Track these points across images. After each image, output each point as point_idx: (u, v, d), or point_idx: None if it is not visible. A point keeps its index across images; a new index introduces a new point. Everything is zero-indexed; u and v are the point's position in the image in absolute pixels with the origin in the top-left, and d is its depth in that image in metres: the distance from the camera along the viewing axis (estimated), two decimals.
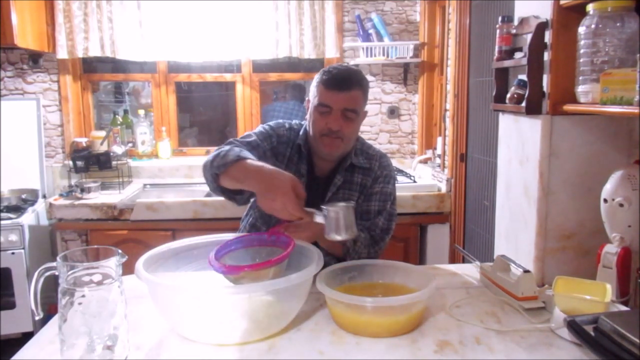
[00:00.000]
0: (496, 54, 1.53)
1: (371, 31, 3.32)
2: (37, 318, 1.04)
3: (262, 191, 1.26)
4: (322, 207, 1.27)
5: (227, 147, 1.41)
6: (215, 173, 1.36)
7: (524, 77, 1.39)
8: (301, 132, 1.61)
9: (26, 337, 1.29)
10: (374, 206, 1.59)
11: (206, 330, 1.13)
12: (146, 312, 1.26)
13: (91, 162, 3.11)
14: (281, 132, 1.60)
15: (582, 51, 1.22)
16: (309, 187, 1.51)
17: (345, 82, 1.46)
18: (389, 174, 1.62)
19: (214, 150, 1.43)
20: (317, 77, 1.53)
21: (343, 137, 1.50)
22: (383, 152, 1.67)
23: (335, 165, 1.60)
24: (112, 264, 1.01)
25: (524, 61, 1.37)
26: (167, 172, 3.33)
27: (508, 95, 1.48)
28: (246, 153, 1.37)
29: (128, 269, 1.11)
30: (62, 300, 0.97)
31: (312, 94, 1.54)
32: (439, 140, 3.11)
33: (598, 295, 1.15)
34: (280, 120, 1.66)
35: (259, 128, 1.62)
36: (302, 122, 1.65)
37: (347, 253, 1.50)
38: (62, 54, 3.14)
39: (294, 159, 1.58)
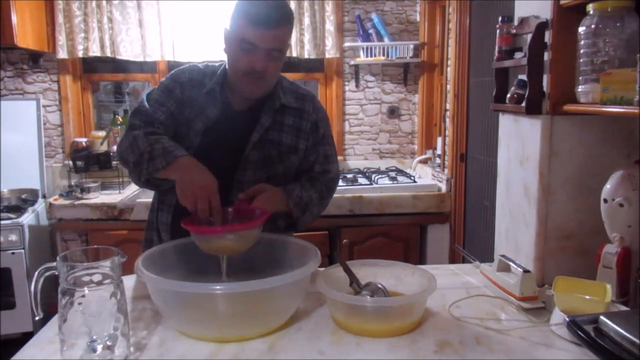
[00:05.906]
0: (496, 54, 1.53)
1: (371, 31, 3.32)
2: (37, 318, 1.04)
3: (182, 186, 1.24)
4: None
5: (145, 141, 1.32)
6: (151, 172, 1.30)
7: (524, 77, 1.39)
8: (219, 73, 1.49)
9: (26, 337, 1.29)
10: (329, 150, 1.58)
11: (206, 327, 1.14)
12: (146, 312, 1.26)
13: (91, 162, 3.11)
14: (184, 78, 1.48)
15: (582, 51, 1.21)
16: (227, 124, 1.46)
17: (274, 20, 1.34)
18: (324, 115, 1.59)
19: (125, 138, 1.38)
20: (239, 6, 1.38)
21: (266, 77, 1.40)
22: (312, 92, 1.60)
23: (258, 102, 1.48)
24: (112, 264, 1.01)
25: (524, 61, 1.37)
26: None
27: (508, 95, 1.48)
28: (179, 150, 1.30)
29: (128, 269, 1.12)
30: (62, 300, 0.97)
31: (234, 24, 1.38)
32: (439, 140, 3.11)
33: (598, 295, 1.15)
34: (193, 65, 1.54)
35: (160, 86, 1.49)
36: (223, 62, 1.52)
37: (299, 221, 1.48)
38: (62, 54, 3.14)
39: (204, 103, 1.47)
